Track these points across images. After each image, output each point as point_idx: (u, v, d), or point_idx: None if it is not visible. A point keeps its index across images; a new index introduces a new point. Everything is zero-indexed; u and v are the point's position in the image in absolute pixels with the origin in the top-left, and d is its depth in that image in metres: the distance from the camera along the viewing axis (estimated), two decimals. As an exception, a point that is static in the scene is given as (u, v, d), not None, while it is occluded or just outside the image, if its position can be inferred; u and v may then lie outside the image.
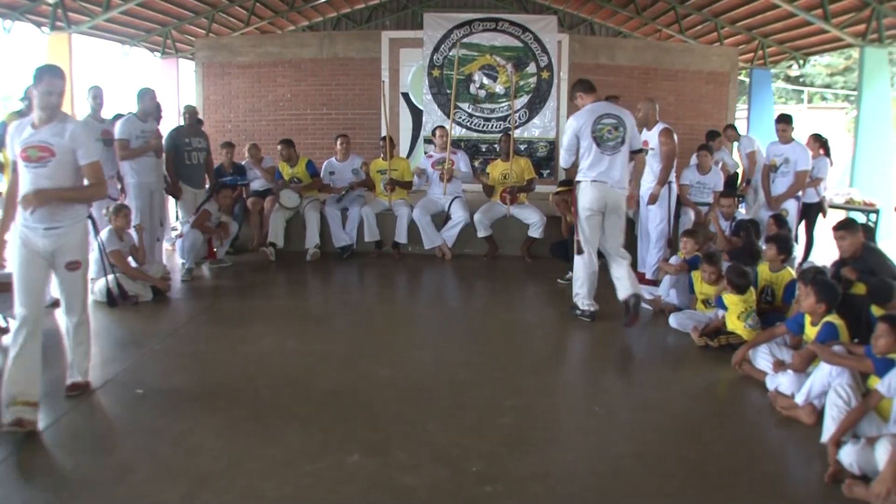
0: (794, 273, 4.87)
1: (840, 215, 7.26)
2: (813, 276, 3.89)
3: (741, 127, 10.63)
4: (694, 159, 6.89)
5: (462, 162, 7.81)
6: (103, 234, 5.38)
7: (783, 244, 4.91)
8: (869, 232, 5.53)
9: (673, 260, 5.66)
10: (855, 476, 2.76)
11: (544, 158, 10.00)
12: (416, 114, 10.27)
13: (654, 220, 6.20)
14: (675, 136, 6.07)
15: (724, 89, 10.98)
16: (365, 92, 10.43)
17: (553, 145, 9.98)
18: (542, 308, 5.85)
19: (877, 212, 8.34)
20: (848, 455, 2.81)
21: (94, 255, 5.44)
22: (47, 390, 3.45)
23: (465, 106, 10.02)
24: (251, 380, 3.94)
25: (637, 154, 5.32)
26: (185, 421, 3.35)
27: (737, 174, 8.47)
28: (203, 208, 6.64)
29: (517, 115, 9.82)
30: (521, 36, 10.01)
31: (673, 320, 5.04)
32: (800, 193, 6.61)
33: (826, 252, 6.53)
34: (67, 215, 3.35)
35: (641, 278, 6.24)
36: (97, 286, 5.40)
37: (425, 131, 9.96)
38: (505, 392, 3.78)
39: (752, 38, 13.13)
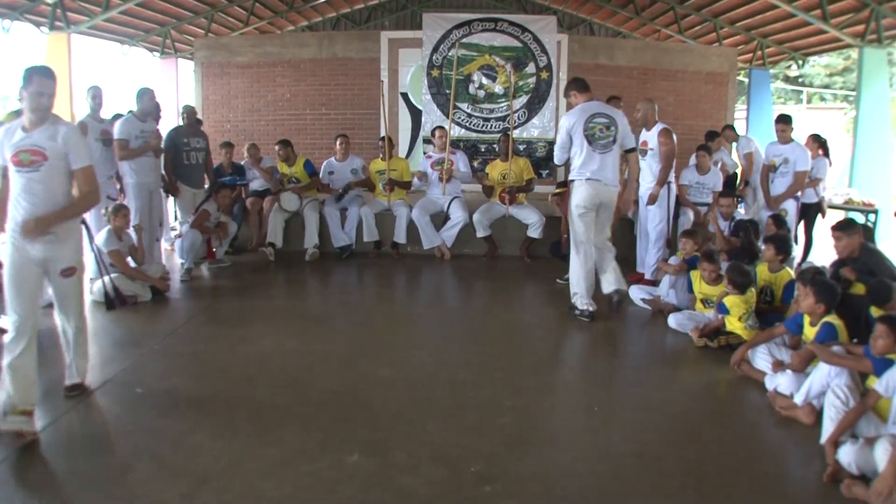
0: (792, 273, 4.88)
1: (839, 215, 7.27)
2: (812, 276, 3.90)
3: (740, 127, 10.64)
4: (693, 159, 6.90)
5: (461, 162, 7.82)
6: (102, 234, 5.40)
7: (782, 244, 4.92)
8: (868, 232, 5.53)
9: (672, 260, 5.67)
10: (854, 476, 2.77)
11: (543, 159, 10.00)
12: (416, 114, 10.27)
13: (653, 221, 6.20)
14: (675, 137, 6.08)
15: (723, 89, 10.99)
16: (364, 92, 10.43)
17: (552, 145, 9.95)
18: (541, 308, 5.85)
19: (875, 212, 8.35)
20: (846, 455, 2.82)
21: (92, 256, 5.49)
22: (46, 389, 3.46)
23: (464, 106, 10.02)
24: (250, 380, 3.94)
25: (630, 153, 5.36)
26: (185, 421, 3.35)
27: (736, 174, 8.47)
28: (202, 208, 6.63)
29: (516, 115, 9.83)
30: (520, 36, 10.01)
31: (672, 320, 5.04)
32: (799, 194, 6.61)
33: (825, 252, 6.54)
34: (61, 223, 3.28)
35: (641, 278, 6.27)
36: (95, 286, 5.40)
37: (424, 131, 9.96)
38: (504, 392, 3.78)
39: (751, 38, 13.14)
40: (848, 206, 8.50)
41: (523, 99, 10.05)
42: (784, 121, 6.59)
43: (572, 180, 5.17)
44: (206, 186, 7.09)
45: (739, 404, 3.80)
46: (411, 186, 7.80)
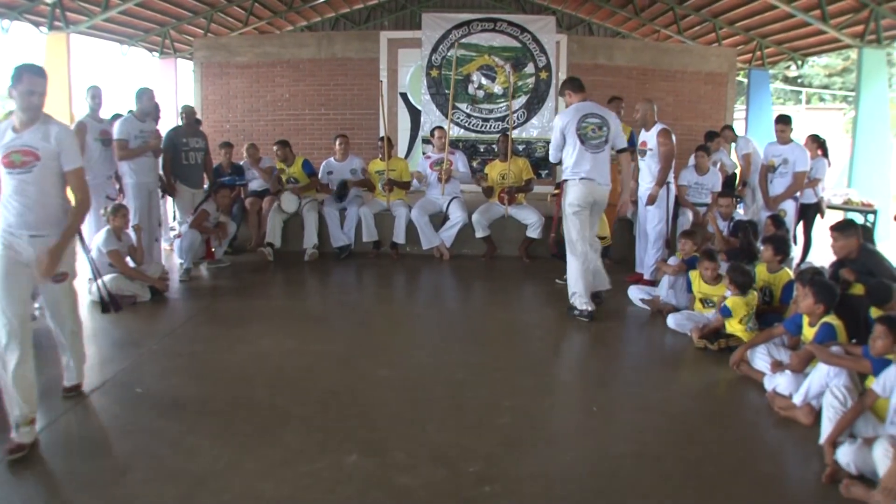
0: (791, 274, 4.88)
1: (838, 216, 7.28)
2: (811, 276, 3.90)
3: (739, 128, 10.63)
4: (692, 160, 6.90)
5: (460, 162, 7.82)
6: (101, 234, 5.40)
7: (780, 245, 4.92)
8: (867, 233, 5.53)
9: (671, 260, 5.66)
10: (852, 476, 2.77)
11: (542, 159, 9.98)
12: (415, 114, 10.28)
13: (652, 221, 6.20)
14: (674, 137, 6.08)
15: (723, 90, 11.00)
16: (363, 92, 10.44)
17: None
18: (540, 308, 5.85)
19: (874, 212, 8.35)
20: (845, 455, 2.82)
21: (92, 256, 5.47)
22: (44, 389, 3.44)
23: (463, 106, 10.02)
24: (249, 380, 3.94)
25: (621, 154, 5.40)
26: (184, 421, 3.35)
27: (735, 175, 8.48)
28: (201, 208, 6.63)
29: (515, 115, 9.84)
30: (519, 36, 10.01)
31: (671, 321, 5.04)
32: (798, 194, 6.61)
33: (824, 253, 6.54)
34: (55, 222, 3.17)
35: (640, 279, 6.27)
36: (94, 287, 5.39)
37: (424, 131, 9.96)
38: (503, 392, 3.78)
39: (750, 38, 13.15)
40: (847, 206, 8.50)
41: (522, 99, 10.06)
42: (783, 121, 6.60)
43: (565, 180, 5.23)
44: (206, 186, 7.08)
45: (738, 405, 3.80)
46: (410, 186, 7.80)
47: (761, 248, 5.24)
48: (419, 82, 10.14)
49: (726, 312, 4.54)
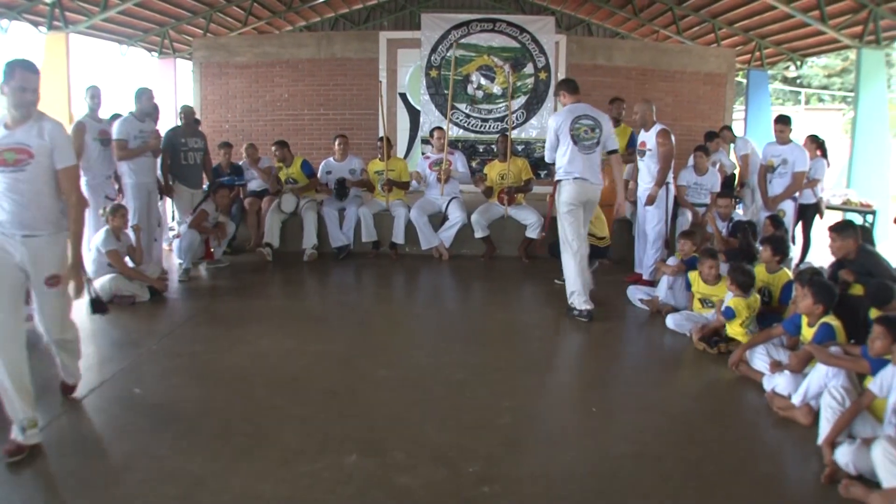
0: (790, 274, 4.88)
1: (837, 216, 7.28)
2: (810, 277, 3.90)
3: (738, 128, 10.63)
4: (691, 160, 6.90)
5: (459, 162, 7.82)
6: (100, 233, 5.39)
7: (778, 245, 4.92)
8: (866, 233, 5.54)
9: (670, 261, 5.66)
10: (851, 476, 2.77)
11: (542, 159, 9.82)
12: (414, 114, 10.28)
13: (651, 221, 6.20)
14: (673, 137, 6.08)
15: (722, 90, 11.01)
16: (362, 92, 10.43)
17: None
18: (539, 308, 5.85)
19: (873, 213, 8.35)
20: (844, 455, 2.82)
21: (91, 256, 5.48)
22: (42, 389, 3.42)
23: (462, 106, 10.02)
24: (249, 380, 3.93)
25: (611, 155, 5.45)
26: (183, 421, 3.34)
27: (734, 175, 8.49)
28: (200, 208, 6.62)
29: (514, 115, 9.84)
30: (518, 37, 10.01)
31: (670, 321, 5.04)
32: (797, 194, 6.62)
33: (823, 253, 6.54)
34: (48, 222, 3.09)
35: (639, 279, 6.27)
36: (93, 286, 5.39)
37: (423, 132, 9.95)
38: (503, 392, 3.78)
39: (749, 39, 13.17)
40: (846, 206, 8.50)
41: (522, 99, 10.06)
42: (783, 121, 6.60)
43: (559, 180, 5.31)
44: (205, 186, 7.07)
45: (738, 405, 3.80)
46: (409, 187, 7.80)
47: (760, 248, 5.24)
48: (418, 82, 10.14)
49: (729, 314, 4.51)
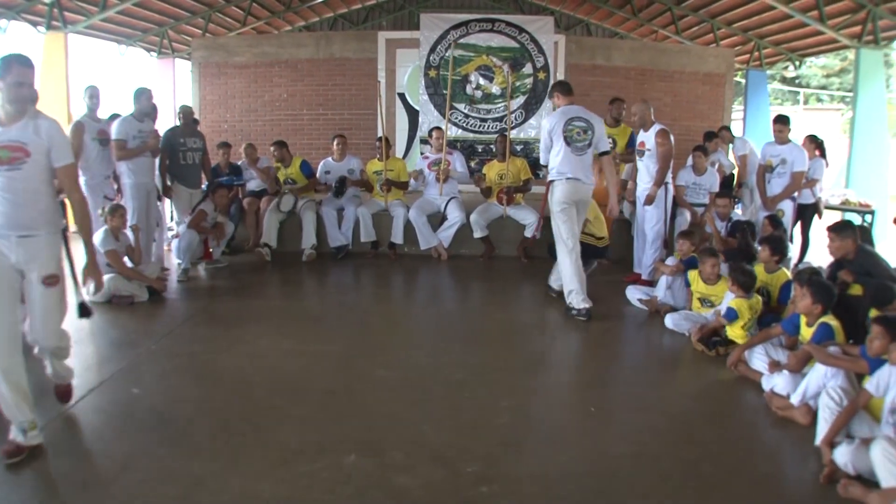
0: (789, 274, 4.88)
1: (836, 216, 7.28)
2: (809, 277, 3.90)
3: (737, 128, 10.63)
4: (690, 160, 6.91)
5: (458, 162, 7.82)
6: (99, 233, 5.38)
7: (777, 245, 4.92)
8: (865, 233, 5.54)
9: (669, 261, 5.67)
10: (850, 476, 2.77)
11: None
12: (413, 114, 10.28)
13: (650, 221, 6.20)
14: (672, 137, 6.09)
15: (721, 90, 11.01)
16: (361, 92, 10.43)
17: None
18: (538, 308, 5.85)
19: (872, 213, 8.36)
20: (843, 455, 2.82)
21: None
22: (42, 390, 3.42)
23: (461, 106, 10.01)
24: (247, 380, 3.93)
25: (603, 156, 5.51)
26: (181, 421, 3.34)
27: (733, 175, 8.49)
28: (199, 208, 6.62)
29: (513, 115, 9.83)
30: (517, 37, 10.01)
31: (669, 320, 5.04)
32: (795, 194, 6.62)
33: (822, 253, 6.55)
34: (45, 221, 3.01)
35: (638, 279, 6.28)
36: (92, 286, 5.38)
37: (421, 132, 9.94)
38: (501, 392, 3.78)
39: (748, 39, 13.17)
40: (844, 206, 8.50)
41: (520, 99, 10.06)
42: (782, 121, 6.60)
43: (552, 180, 5.38)
44: (205, 186, 7.07)
45: (736, 405, 3.81)
46: (408, 187, 7.80)
47: (758, 248, 5.24)
48: (417, 82, 10.14)
49: (731, 315, 4.46)
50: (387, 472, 2.86)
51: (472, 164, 9.46)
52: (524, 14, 14.12)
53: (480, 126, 10.11)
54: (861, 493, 2.66)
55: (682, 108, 10.74)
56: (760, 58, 13.44)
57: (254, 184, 7.94)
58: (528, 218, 7.33)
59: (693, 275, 5.14)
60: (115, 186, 6.35)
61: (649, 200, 6.10)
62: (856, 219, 7.73)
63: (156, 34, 13.07)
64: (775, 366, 3.82)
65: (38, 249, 2.98)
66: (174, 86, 14.13)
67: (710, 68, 10.96)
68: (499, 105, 10.03)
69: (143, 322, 5.10)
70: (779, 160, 6.49)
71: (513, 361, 4.38)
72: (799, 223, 7.13)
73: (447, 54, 9.73)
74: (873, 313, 3.68)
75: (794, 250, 6.89)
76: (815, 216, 7.30)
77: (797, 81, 25.57)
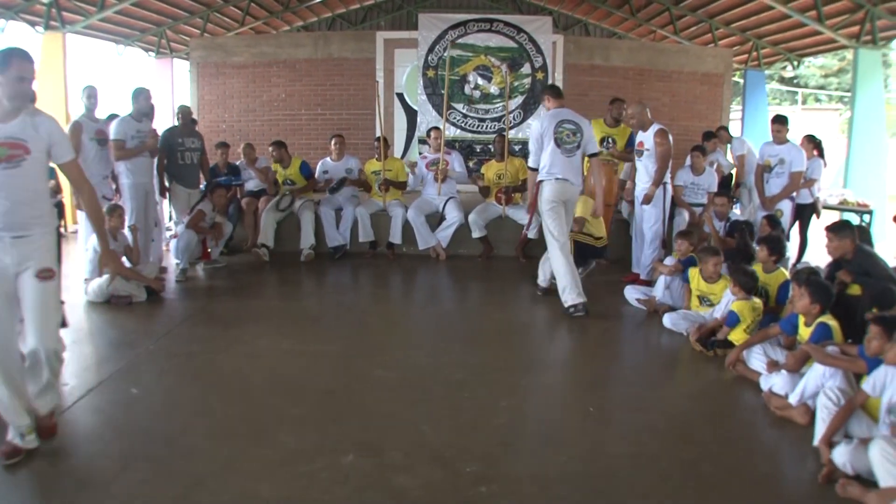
0: (787, 274, 4.89)
1: (834, 216, 7.29)
2: (807, 277, 3.90)
3: (735, 128, 10.63)
4: (688, 160, 6.91)
5: (456, 162, 7.82)
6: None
7: (774, 245, 4.92)
8: (863, 233, 5.55)
9: (667, 261, 5.67)
10: (848, 476, 2.77)
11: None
12: (411, 114, 10.28)
13: (648, 221, 6.21)
14: (671, 137, 6.09)
15: (719, 90, 11.03)
16: (359, 92, 10.43)
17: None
18: (536, 308, 5.84)
19: (870, 213, 8.37)
20: (841, 455, 2.82)
21: (88, 256, 5.48)
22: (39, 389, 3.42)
23: (459, 106, 10.02)
24: (246, 380, 3.93)
25: (592, 158, 5.62)
26: (180, 421, 3.34)
27: (731, 175, 8.50)
28: (198, 208, 6.62)
29: (512, 115, 9.84)
30: (515, 37, 10.02)
31: (667, 320, 5.05)
32: (794, 194, 6.63)
33: (820, 253, 6.56)
34: (39, 221, 2.93)
35: (636, 279, 6.28)
36: (91, 286, 5.40)
37: (420, 132, 9.96)
38: (501, 392, 3.78)
39: (746, 39, 13.17)
40: (843, 206, 8.51)
41: (519, 99, 10.07)
42: (780, 121, 6.61)
43: (542, 181, 5.47)
44: (203, 186, 7.06)
45: (735, 404, 3.81)
46: (407, 187, 7.80)
47: (757, 248, 5.25)
48: (415, 82, 10.14)
49: (734, 320, 4.41)
50: (386, 472, 2.86)
51: (471, 163, 9.47)
52: (522, 14, 14.11)
53: (479, 126, 10.12)
54: (859, 493, 2.66)
55: (680, 108, 10.76)
56: (759, 58, 13.45)
57: (252, 184, 7.93)
58: (526, 218, 7.33)
59: (693, 272, 5.13)
60: (114, 186, 6.34)
61: (647, 200, 6.10)
62: (854, 219, 7.74)
63: (154, 34, 13.05)
64: (773, 365, 3.82)
65: (33, 248, 2.89)
66: (172, 86, 14.10)
67: (709, 68, 10.98)
68: (497, 105, 10.04)
69: (141, 322, 5.09)
70: (777, 160, 6.50)
71: (512, 361, 4.38)
72: (797, 223, 7.14)
73: (445, 54, 9.74)
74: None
75: (792, 250, 6.89)
76: (814, 216, 7.31)
77: (795, 81, 25.62)
